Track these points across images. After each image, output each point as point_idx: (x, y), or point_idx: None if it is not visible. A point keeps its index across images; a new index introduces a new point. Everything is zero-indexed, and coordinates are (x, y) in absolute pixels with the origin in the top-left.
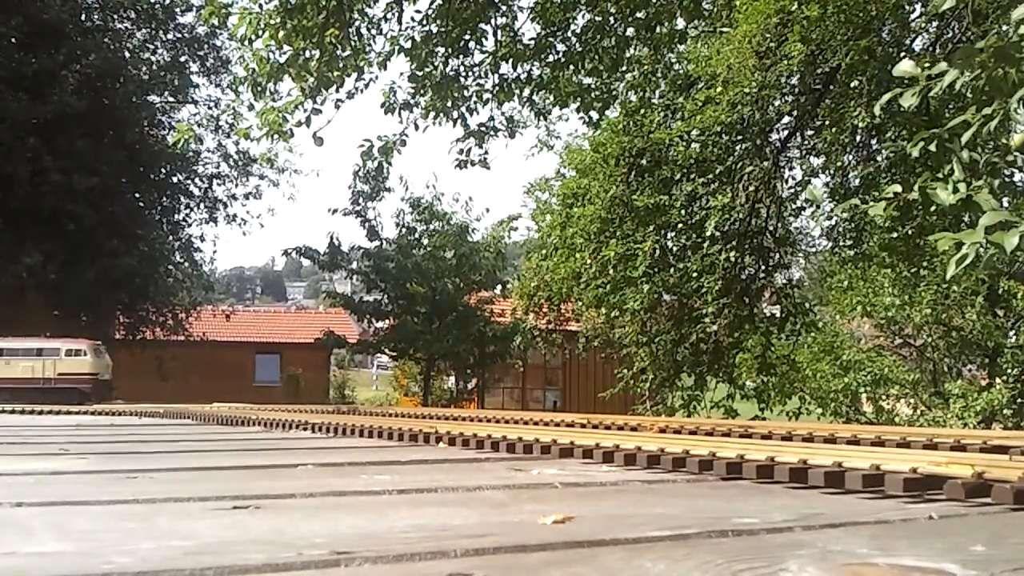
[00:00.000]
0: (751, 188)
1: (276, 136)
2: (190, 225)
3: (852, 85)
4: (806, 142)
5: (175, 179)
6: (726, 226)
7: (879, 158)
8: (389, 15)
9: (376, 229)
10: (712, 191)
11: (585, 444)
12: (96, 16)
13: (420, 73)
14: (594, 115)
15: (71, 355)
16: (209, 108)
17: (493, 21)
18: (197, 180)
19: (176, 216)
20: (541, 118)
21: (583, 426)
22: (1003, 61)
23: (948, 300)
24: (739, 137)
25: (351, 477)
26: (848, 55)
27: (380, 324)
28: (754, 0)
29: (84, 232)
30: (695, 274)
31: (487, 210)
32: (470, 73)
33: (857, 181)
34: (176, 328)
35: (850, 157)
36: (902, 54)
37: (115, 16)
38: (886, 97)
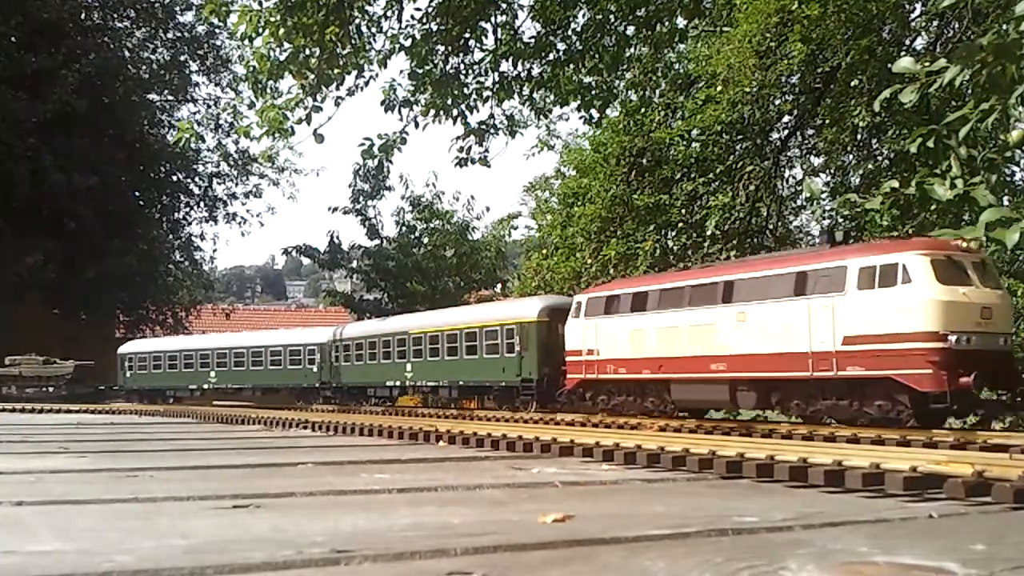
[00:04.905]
0: (751, 187)
1: (276, 134)
2: (190, 224)
3: (852, 84)
4: (806, 141)
5: (175, 178)
6: (726, 225)
7: (879, 157)
8: (389, 13)
9: (376, 228)
10: (712, 190)
11: (585, 442)
12: (96, 15)
13: (420, 71)
14: (594, 114)
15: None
16: (209, 107)
17: (493, 19)
18: (197, 179)
19: (176, 215)
20: (541, 116)
21: (583, 424)
22: (1003, 58)
23: None
24: (739, 136)
25: (351, 476)
26: (848, 54)
27: None
28: None
29: (84, 231)
30: None
31: (487, 209)
32: (470, 71)
33: (857, 180)
34: (176, 327)
35: (851, 156)
36: (902, 53)
37: (115, 15)
38: (886, 93)
